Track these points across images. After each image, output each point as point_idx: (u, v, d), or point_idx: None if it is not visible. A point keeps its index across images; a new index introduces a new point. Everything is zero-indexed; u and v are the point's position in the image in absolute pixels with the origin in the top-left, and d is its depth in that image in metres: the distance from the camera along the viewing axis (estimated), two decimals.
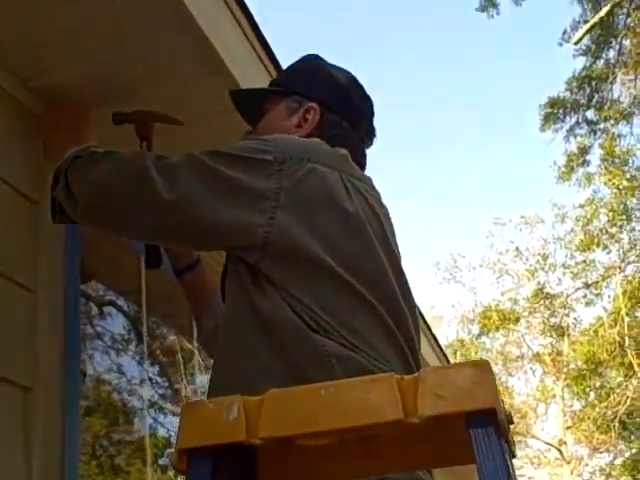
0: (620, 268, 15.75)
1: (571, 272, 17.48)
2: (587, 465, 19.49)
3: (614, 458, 18.87)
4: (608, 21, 12.71)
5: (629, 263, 15.82)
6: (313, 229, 1.27)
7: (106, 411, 3.21)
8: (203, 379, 3.41)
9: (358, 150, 1.52)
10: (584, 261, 16.97)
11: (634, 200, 14.84)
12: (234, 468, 1.01)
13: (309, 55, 1.65)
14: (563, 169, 15.16)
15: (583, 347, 17.04)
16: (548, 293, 17.94)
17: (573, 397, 18.68)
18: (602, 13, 12.48)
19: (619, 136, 14.27)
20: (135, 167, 1.34)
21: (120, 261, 2.51)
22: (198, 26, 1.74)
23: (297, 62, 1.65)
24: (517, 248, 19.20)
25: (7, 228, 1.76)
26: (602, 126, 14.17)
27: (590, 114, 14.01)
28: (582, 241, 16.35)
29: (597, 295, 17.10)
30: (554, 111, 14.10)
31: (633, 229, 15.45)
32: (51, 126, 1.82)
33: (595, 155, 14.70)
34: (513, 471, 0.91)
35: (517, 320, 18.32)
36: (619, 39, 12.97)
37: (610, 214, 15.24)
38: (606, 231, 15.71)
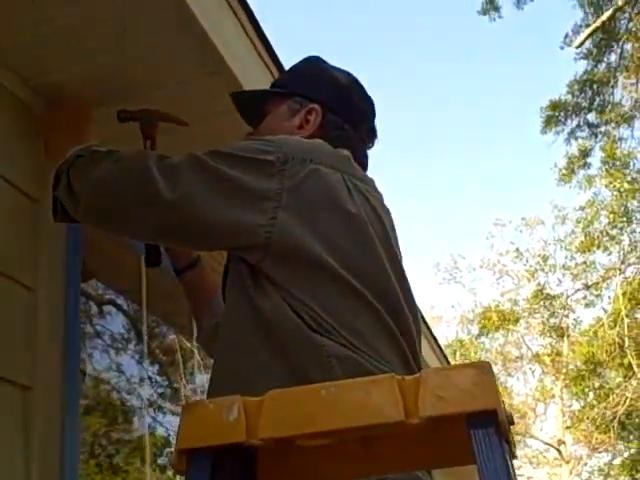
0: (620, 270, 15.75)
1: (571, 273, 17.48)
2: (586, 465, 19.53)
3: (613, 458, 18.93)
4: (610, 25, 12.70)
5: (629, 265, 15.82)
6: (315, 230, 1.27)
7: (105, 410, 3.21)
8: (203, 378, 3.41)
9: (360, 151, 1.52)
10: (584, 262, 16.98)
11: (635, 202, 14.84)
12: (234, 468, 1.01)
13: (310, 57, 1.65)
14: (564, 171, 15.16)
15: (582, 348, 17.04)
16: (548, 294, 17.93)
17: (572, 397, 18.69)
18: (604, 17, 12.48)
19: (620, 139, 14.28)
20: (137, 167, 1.34)
21: (120, 260, 2.51)
22: (200, 26, 1.73)
23: (298, 64, 1.65)
24: (517, 249, 19.23)
25: (8, 227, 1.76)
26: (603, 129, 14.17)
27: (591, 117, 14.01)
28: (582, 243, 16.35)
29: (597, 296, 17.12)
30: (555, 114, 14.09)
31: (633, 231, 15.45)
32: (52, 125, 1.82)
33: (596, 158, 14.73)
34: (513, 472, 0.91)
35: (517, 321, 18.32)
36: (621, 43, 12.96)
37: (611, 216, 15.25)
38: (606, 233, 15.71)
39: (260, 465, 1.06)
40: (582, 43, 13.11)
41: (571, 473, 18.62)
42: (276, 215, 1.26)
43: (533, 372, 20.06)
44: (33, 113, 1.88)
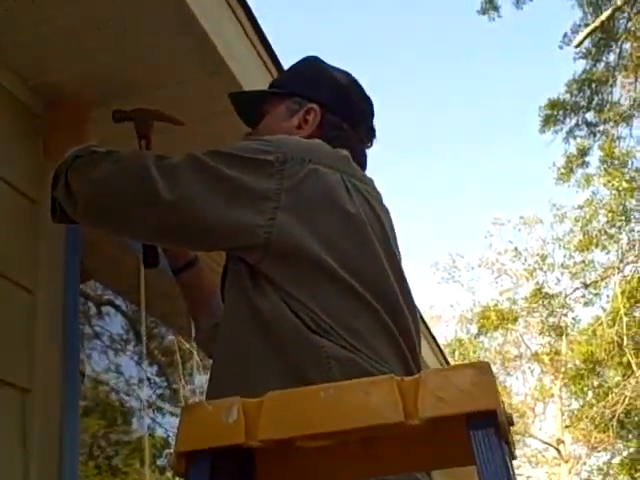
0: (619, 268, 15.75)
1: (570, 272, 17.48)
2: (585, 464, 19.55)
3: (612, 457, 18.93)
4: (609, 25, 12.71)
5: (628, 263, 15.82)
6: (314, 230, 1.27)
7: (104, 411, 3.20)
8: (202, 379, 3.41)
9: (358, 151, 1.52)
10: (583, 261, 16.98)
11: (633, 201, 14.84)
12: (233, 470, 1.01)
13: (309, 57, 1.65)
14: (562, 170, 15.16)
15: (581, 347, 17.05)
16: (547, 293, 17.93)
17: (571, 396, 18.70)
18: (603, 17, 12.49)
19: (619, 138, 14.27)
20: (136, 167, 1.34)
21: (119, 260, 2.51)
22: (200, 26, 1.73)
23: (297, 64, 1.65)
24: (516, 248, 19.24)
25: (7, 227, 1.76)
26: (602, 128, 14.17)
27: (590, 116, 14.01)
28: (581, 241, 16.35)
29: (596, 295, 17.11)
30: (554, 113, 14.09)
31: (632, 230, 15.45)
32: (51, 125, 1.82)
33: (594, 157, 14.72)
34: (513, 472, 0.91)
35: (515, 320, 18.32)
36: (619, 43, 12.97)
37: (609, 215, 15.24)
38: (605, 232, 15.71)
39: (259, 467, 1.05)
40: (581, 42, 13.11)
41: (570, 472, 18.63)
42: (275, 215, 1.26)
43: (532, 371, 20.11)
44: (32, 113, 1.87)
